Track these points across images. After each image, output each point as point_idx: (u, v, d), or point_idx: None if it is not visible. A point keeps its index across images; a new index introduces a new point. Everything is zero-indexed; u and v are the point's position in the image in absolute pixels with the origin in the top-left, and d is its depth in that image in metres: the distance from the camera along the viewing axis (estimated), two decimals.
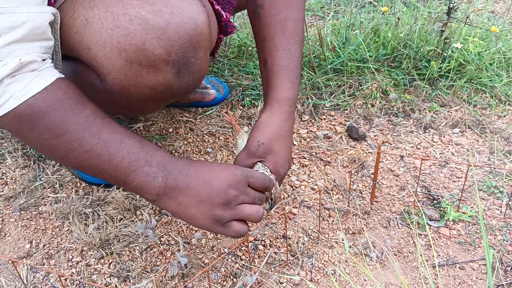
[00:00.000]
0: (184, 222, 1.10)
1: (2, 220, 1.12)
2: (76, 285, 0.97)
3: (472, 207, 1.14)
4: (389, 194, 1.19)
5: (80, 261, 1.02)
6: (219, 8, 1.01)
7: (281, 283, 0.97)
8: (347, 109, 1.50)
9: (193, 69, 0.87)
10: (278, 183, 0.93)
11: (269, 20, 0.95)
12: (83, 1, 0.81)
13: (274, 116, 0.94)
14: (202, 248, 1.05)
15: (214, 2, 1.00)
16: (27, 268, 0.99)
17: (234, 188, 0.82)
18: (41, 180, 1.22)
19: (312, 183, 1.23)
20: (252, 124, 1.06)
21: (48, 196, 1.18)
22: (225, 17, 1.04)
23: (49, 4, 0.80)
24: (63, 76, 0.79)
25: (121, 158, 0.78)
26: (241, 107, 1.51)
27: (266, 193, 0.90)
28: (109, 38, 0.79)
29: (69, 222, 1.10)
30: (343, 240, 1.06)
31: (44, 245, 1.06)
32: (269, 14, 0.95)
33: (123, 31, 0.78)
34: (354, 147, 1.34)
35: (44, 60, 0.77)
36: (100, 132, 0.78)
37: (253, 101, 1.53)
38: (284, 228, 1.09)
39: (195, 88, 0.94)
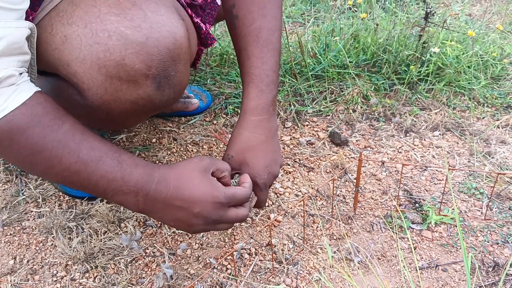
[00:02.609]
0: (169, 234, 1.10)
1: None
2: None
3: (453, 209, 1.15)
4: (372, 198, 1.20)
5: (65, 276, 1.01)
6: (198, 21, 1.02)
7: None
8: (329, 115, 1.52)
9: (174, 82, 0.87)
10: (259, 192, 0.95)
11: (243, 30, 0.97)
12: (61, 18, 0.82)
13: (242, 127, 0.96)
14: (188, 258, 1.05)
15: (193, 15, 1.01)
16: (11, 285, 0.98)
17: (214, 215, 0.84)
18: (24, 195, 1.21)
19: (296, 190, 1.24)
20: None
21: (31, 211, 1.17)
22: (204, 29, 1.04)
23: (27, 19, 0.80)
24: (40, 89, 0.79)
25: (99, 177, 0.79)
26: (224, 115, 1.52)
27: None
28: (89, 54, 0.79)
29: (52, 237, 1.10)
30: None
31: (28, 261, 1.05)
32: (243, 24, 0.96)
33: (102, 47, 0.78)
34: (336, 153, 1.36)
35: (21, 74, 0.77)
36: (78, 150, 0.78)
37: (236, 109, 1.54)
38: (269, 236, 1.09)
39: (176, 100, 0.95)
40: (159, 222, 1.13)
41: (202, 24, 1.03)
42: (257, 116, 0.95)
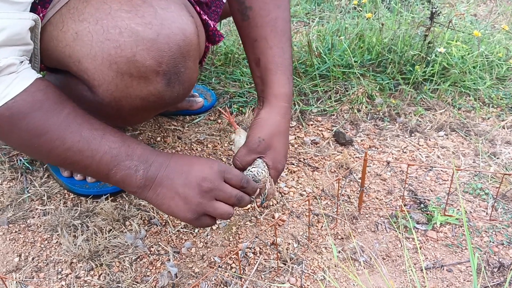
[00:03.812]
0: (173, 232, 1.10)
1: None
2: None
3: (458, 209, 1.15)
4: (377, 198, 1.20)
5: (70, 274, 1.01)
6: (206, 18, 1.02)
7: None
8: (333, 115, 1.52)
9: (184, 79, 0.88)
10: (275, 179, 0.96)
11: (259, 21, 0.98)
12: (72, 15, 0.82)
13: (273, 112, 0.97)
14: (192, 257, 1.05)
15: (202, 12, 1.01)
16: (16, 282, 0.98)
17: (209, 181, 0.84)
18: (29, 193, 1.21)
19: (301, 189, 1.23)
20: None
21: (36, 209, 1.17)
22: (212, 26, 1.05)
23: (37, 14, 0.81)
24: (41, 76, 0.81)
25: (103, 153, 0.81)
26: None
27: (260, 188, 0.93)
28: (100, 51, 0.80)
29: (57, 234, 1.10)
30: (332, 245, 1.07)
31: (33, 258, 1.05)
32: (259, 15, 0.98)
33: (114, 44, 0.79)
34: (341, 152, 1.36)
35: (22, 62, 0.78)
36: (81, 129, 0.80)
37: (240, 108, 1.54)
38: (274, 235, 1.09)
39: (186, 97, 0.96)
40: (163, 221, 1.13)
41: (210, 21, 1.03)
42: (286, 103, 0.98)
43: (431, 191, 1.22)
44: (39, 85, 0.79)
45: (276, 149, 0.96)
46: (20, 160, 1.30)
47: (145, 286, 0.98)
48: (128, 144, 0.83)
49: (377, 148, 1.38)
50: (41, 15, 0.84)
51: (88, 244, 1.06)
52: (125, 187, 0.85)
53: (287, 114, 0.98)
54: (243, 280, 0.99)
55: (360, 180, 1.21)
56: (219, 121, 1.49)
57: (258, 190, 0.92)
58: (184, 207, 0.84)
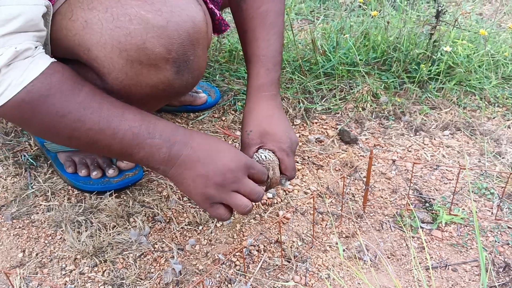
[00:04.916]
0: (177, 229, 1.10)
1: None
2: None
3: (463, 209, 1.15)
4: (382, 197, 1.20)
5: (74, 270, 1.01)
6: (213, 7, 1.02)
7: None
8: (338, 113, 1.51)
9: (193, 67, 0.88)
10: (287, 158, 0.96)
11: (251, 13, 1.00)
12: (81, 4, 0.82)
13: (253, 103, 0.99)
14: (196, 254, 1.05)
15: (208, 1, 1.01)
16: (20, 278, 0.98)
17: (233, 174, 0.85)
18: (33, 188, 1.21)
19: (305, 187, 1.23)
20: None
21: (40, 204, 1.17)
22: (218, 15, 1.05)
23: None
24: (56, 60, 0.81)
25: (125, 131, 0.81)
26: (233, 112, 1.52)
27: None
28: (110, 39, 0.80)
29: (61, 230, 1.10)
30: (336, 244, 1.06)
31: (37, 254, 1.05)
32: (251, 7, 1.00)
33: (124, 31, 0.79)
34: (346, 151, 1.35)
35: (36, 47, 0.79)
36: (100, 108, 0.81)
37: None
38: (278, 233, 1.09)
39: (194, 86, 0.96)
40: (167, 218, 1.13)
41: (216, 10, 1.03)
42: (267, 92, 0.99)
43: (436, 190, 1.21)
44: (55, 67, 0.79)
45: (271, 132, 0.96)
46: (24, 155, 1.30)
47: (149, 282, 0.97)
48: (149, 121, 0.84)
49: (382, 147, 1.37)
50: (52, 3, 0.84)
51: (92, 240, 1.05)
52: (148, 164, 0.86)
53: (270, 100, 0.99)
54: (247, 277, 0.98)
55: (364, 179, 1.21)
56: (224, 118, 1.49)
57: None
58: (203, 191, 0.85)
